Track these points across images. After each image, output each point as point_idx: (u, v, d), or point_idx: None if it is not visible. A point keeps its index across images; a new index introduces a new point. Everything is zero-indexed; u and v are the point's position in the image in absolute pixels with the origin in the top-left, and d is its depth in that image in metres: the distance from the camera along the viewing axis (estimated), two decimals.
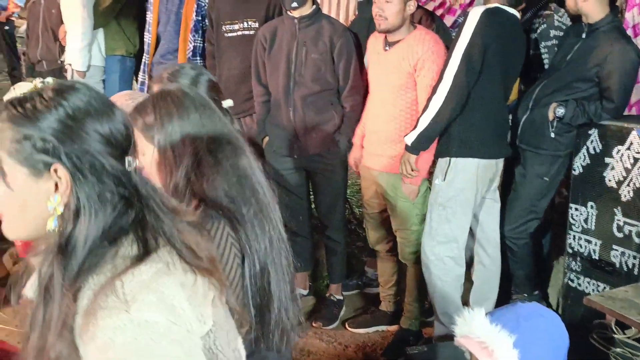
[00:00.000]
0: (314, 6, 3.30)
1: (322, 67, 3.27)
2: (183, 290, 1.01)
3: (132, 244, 1.03)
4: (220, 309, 1.13)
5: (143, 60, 4.22)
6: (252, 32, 3.63)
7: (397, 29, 3.00)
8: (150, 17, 4.13)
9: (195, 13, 3.93)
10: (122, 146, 1.05)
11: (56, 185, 1.00)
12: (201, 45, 3.97)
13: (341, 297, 3.65)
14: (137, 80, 4.56)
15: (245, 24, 3.67)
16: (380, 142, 3.10)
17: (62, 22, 4.64)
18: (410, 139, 2.91)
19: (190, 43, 3.94)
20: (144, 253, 1.02)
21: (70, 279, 0.98)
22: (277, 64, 3.33)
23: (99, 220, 1.00)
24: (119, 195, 1.03)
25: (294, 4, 3.22)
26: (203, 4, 3.92)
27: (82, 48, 4.48)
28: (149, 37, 4.15)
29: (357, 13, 4.17)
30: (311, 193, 3.68)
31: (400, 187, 3.06)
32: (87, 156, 1.01)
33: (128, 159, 1.06)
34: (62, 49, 4.76)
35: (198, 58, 3.97)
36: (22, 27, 7.21)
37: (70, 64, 4.57)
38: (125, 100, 2.02)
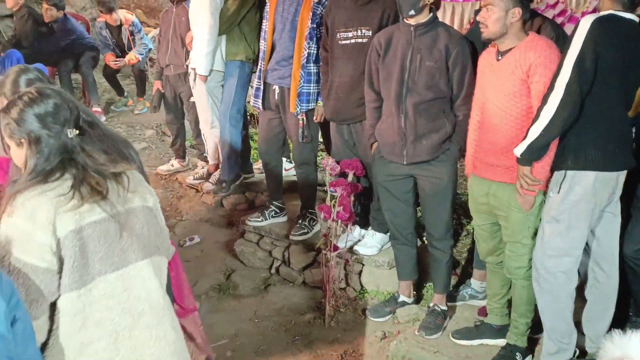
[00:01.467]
0: (431, 14, 3.30)
1: (436, 75, 3.26)
2: (51, 209, 1.70)
3: (43, 176, 1.74)
4: (100, 228, 1.77)
5: (258, 67, 4.37)
6: (365, 40, 3.68)
7: (499, 37, 2.94)
8: (266, 25, 4.27)
9: (310, 21, 4.02)
10: (54, 120, 1.79)
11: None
12: (315, 52, 4.06)
13: (445, 308, 3.61)
14: (252, 86, 4.73)
15: (359, 31, 3.72)
16: (495, 152, 3.03)
17: (189, 29, 4.91)
18: (519, 150, 2.83)
19: (305, 50, 4.04)
20: (42, 181, 1.73)
21: (12, 193, 1.74)
22: (390, 71, 3.36)
23: (34, 164, 1.75)
24: (52, 150, 1.76)
25: (412, 12, 3.23)
26: (318, 12, 4.01)
27: (207, 53, 4.72)
28: (264, 45, 4.29)
29: (473, 21, 4.11)
30: (418, 201, 3.67)
31: (514, 198, 2.98)
32: (32, 131, 1.77)
33: (68, 130, 1.79)
34: (188, 54, 5.03)
35: (312, 65, 4.06)
36: (150, 34, 7.69)
37: (194, 68, 4.83)
38: None
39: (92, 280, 1.76)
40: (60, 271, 1.71)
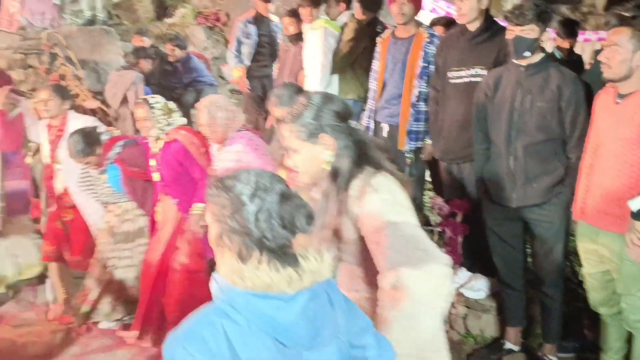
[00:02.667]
0: (543, 54, 3.23)
1: (547, 116, 3.16)
2: (398, 187, 1.92)
3: (368, 166, 1.95)
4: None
5: (368, 105, 4.43)
6: (478, 79, 3.63)
7: (622, 79, 2.81)
8: (376, 65, 4.33)
9: (421, 60, 4.05)
10: (346, 116, 1.99)
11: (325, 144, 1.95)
12: (425, 90, 4.07)
13: (555, 358, 3.44)
14: (361, 124, 4.80)
15: (472, 70, 3.70)
16: (606, 199, 2.88)
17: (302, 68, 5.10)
18: (635, 205, 2.66)
19: (415, 89, 4.06)
20: (376, 171, 1.94)
21: (340, 187, 1.95)
22: (499, 112, 3.30)
23: (348, 157, 1.95)
24: (352, 142, 1.97)
25: (527, 53, 3.18)
26: (429, 51, 4.03)
27: None
28: (374, 84, 4.35)
29: (592, 61, 3.98)
30: (528, 245, 3.55)
31: (625, 250, 2.82)
32: (329, 126, 1.95)
33: (351, 122, 2.01)
34: None
35: (422, 103, 4.07)
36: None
37: None
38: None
39: None
40: None
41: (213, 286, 1.42)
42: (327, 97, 1.99)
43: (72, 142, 4.23)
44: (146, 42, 7.12)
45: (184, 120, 4.21)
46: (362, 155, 1.96)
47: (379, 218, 1.82)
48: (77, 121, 4.58)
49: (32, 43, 7.28)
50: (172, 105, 4.18)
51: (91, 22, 8.61)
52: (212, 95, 3.96)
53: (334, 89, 4.93)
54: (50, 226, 4.73)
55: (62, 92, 4.65)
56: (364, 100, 4.78)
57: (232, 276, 1.38)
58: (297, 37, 5.46)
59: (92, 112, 6.83)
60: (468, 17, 3.67)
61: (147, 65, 6.56)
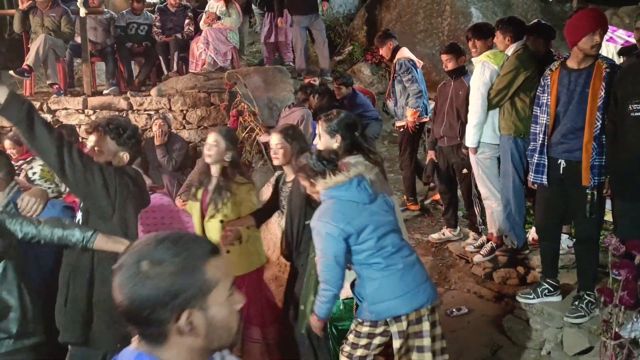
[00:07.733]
0: None
1: None
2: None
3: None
4: None
5: (539, 141, 4.12)
6: None
7: None
8: (546, 98, 4.07)
9: (603, 91, 3.82)
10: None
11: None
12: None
13: None
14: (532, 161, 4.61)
15: None
16: None
17: (466, 103, 5.05)
18: None
19: (598, 121, 3.83)
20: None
21: None
22: None
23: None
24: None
25: None
26: (609, 82, 3.81)
27: (474, 126, 4.82)
28: (546, 118, 4.10)
29: None
30: None
31: None
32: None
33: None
34: (462, 128, 5.16)
35: (604, 137, 3.82)
36: (429, 106, 8.01)
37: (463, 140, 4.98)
38: None
39: None
40: None
41: (322, 195, 3.19)
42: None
43: None
44: (316, 80, 7.46)
45: None
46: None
47: None
48: None
49: (214, 82, 7.92)
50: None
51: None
52: None
53: (493, 123, 4.86)
54: None
55: None
56: (522, 136, 4.65)
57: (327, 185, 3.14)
58: (457, 72, 5.42)
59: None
60: None
61: (315, 101, 6.87)
